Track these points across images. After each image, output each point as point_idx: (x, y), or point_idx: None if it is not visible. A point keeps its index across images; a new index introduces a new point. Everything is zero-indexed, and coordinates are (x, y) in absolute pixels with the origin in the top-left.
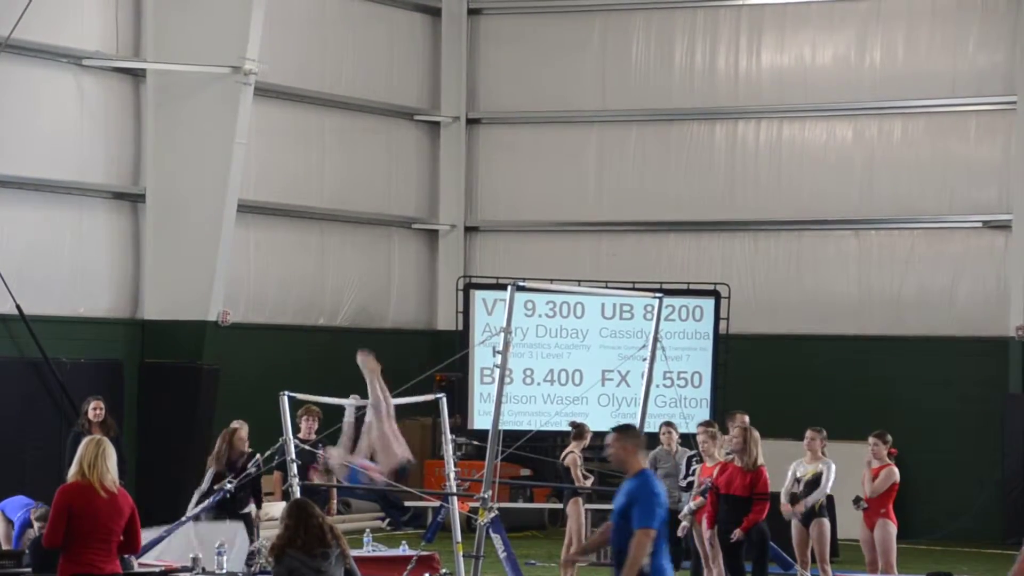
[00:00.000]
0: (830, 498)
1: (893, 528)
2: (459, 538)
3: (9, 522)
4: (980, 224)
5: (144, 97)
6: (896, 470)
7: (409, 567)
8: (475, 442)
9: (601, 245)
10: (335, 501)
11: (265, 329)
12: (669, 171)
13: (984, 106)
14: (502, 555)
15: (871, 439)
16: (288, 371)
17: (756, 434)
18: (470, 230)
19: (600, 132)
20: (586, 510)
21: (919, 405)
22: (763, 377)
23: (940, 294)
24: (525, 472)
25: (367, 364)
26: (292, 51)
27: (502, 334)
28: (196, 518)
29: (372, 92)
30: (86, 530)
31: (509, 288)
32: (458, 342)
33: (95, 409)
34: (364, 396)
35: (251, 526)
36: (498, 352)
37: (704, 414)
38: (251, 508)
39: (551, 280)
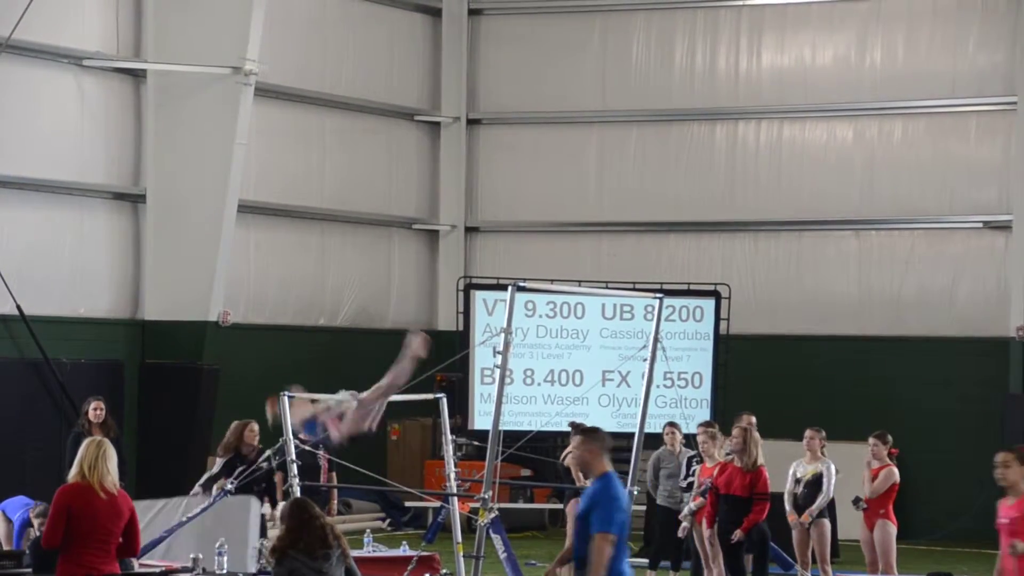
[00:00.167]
0: (830, 499)
1: (893, 528)
2: (459, 539)
3: (9, 522)
4: (980, 224)
5: (144, 97)
6: (896, 471)
7: (409, 567)
8: (475, 442)
9: (601, 245)
10: (335, 501)
11: (265, 329)
12: (669, 171)
13: (984, 106)
14: (502, 556)
15: (871, 439)
16: (288, 371)
17: (756, 434)
18: (470, 230)
19: (600, 132)
20: None
21: (919, 405)
22: (763, 377)
23: (940, 294)
24: (525, 472)
25: (415, 349)
26: (292, 51)
27: (502, 334)
28: (194, 518)
29: (372, 92)
30: (85, 531)
31: (509, 288)
32: (458, 342)
33: (95, 409)
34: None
35: (263, 527)
36: (498, 352)
37: (704, 415)
38: (265, 508)
39: (551, 280)
